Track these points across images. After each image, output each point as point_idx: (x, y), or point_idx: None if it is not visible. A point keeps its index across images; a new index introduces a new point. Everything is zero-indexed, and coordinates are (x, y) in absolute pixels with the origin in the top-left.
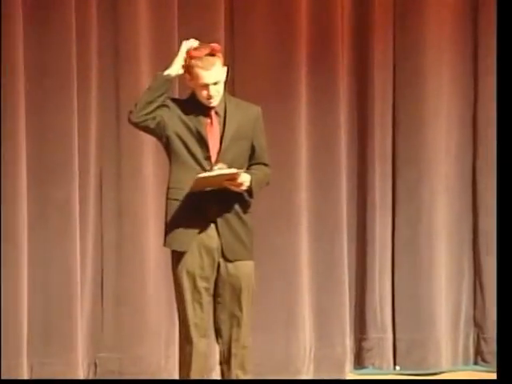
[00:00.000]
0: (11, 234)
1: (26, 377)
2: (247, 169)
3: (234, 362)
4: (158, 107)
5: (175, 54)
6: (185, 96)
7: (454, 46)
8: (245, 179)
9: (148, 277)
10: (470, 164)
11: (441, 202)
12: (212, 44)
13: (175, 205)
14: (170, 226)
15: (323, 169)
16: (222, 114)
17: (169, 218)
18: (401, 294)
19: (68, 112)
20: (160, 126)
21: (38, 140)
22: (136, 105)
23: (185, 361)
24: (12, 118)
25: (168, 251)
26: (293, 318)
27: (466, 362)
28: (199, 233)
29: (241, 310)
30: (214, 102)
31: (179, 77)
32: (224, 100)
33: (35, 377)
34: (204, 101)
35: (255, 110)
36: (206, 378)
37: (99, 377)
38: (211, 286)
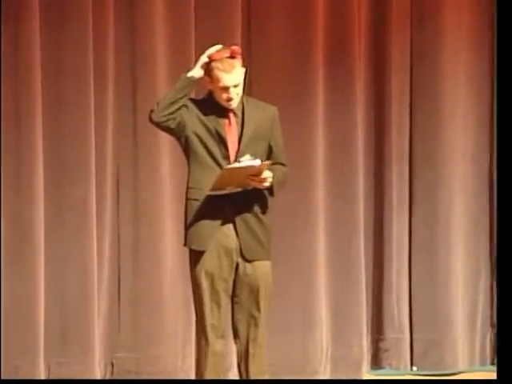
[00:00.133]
0: (28, 234)
1: (42, 377)
2: None
3: (251, 361)
4: (180, 108)
5: (191, 53)
6: (201, 96)
7: (471, 46)
8: (268, 175)
9: (165, 276)
10: (487, 164)
11: (458, 201)
12: (233, 47)
13: (195, 205)
14: (190, 226)
15: (340, 168)
16: (239, 114)
17: (188, 217)
18: (418, 294)
19: (85, 111)
20: (180, 126)
21: (55, 139)
22: (158, 104)
23: (201, 361)
24: (29, 117)
25: (185, 251)
26: (309, 318)
27: (482, 363)
28: (217, 233)
29: (258, 310)
30: (234, 104)
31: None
32: (242, 100)
33: (52, 377)
34: (224, 103)
35: (272, 110)
36: (222, 378)
37: (116, 377)
38: (229, 287)
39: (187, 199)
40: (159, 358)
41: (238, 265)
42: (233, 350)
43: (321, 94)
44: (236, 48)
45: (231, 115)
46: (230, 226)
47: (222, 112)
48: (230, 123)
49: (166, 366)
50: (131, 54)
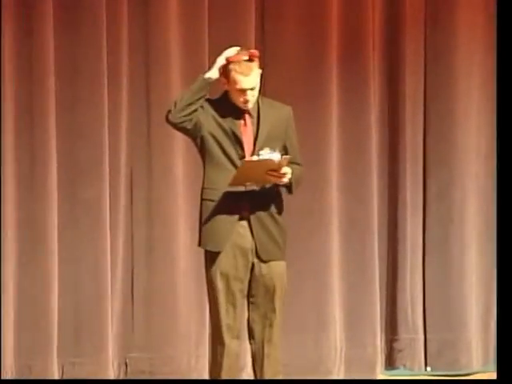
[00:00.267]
0: (42, 234)
1: (56, 376)
2: None
3: (266, 362)
4: (196, 109)
5: (204, 54)
6: (216, 95)
7: (485, 46)
8: (287, 170)
9: (178, 276)
10: None
11: (471, 201)
12: (251, 50)
13: (210, 205)
14: (205, 227)
15: (354, 168)
16: (255, 114)
17: (203, 218)
18: (432, 294)
19: (98, 111)
20: (196, 127)
21: (69, 139)
22: (175, 105)
23: (216, 361)
24: (42, 117)
25: (198, 251)
26: (323, 318)
27: None
28: (233, 233)
29: (274, 310)
30: (250, 106)
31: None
32: (257, 101)
33: (66, 377)
34: (240, 104)
35: (287, 110)
36: (236, 378)
37: (129, 377)
38: (245, 287)
39: (202, 199)
40: (173, 357)
41: (253, 265)
42: (246, 350)
43: (335, 93)
44: (254, 51)
45: (247, 116)
46: (246, 226)
47: (238, 112)
48: (245, 124)
49: (179, 366)
50: (145, 54)
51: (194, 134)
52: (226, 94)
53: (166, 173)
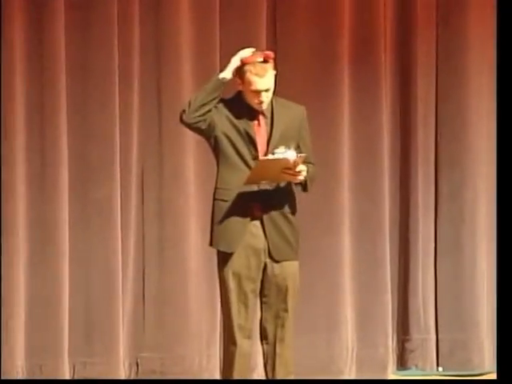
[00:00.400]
0: (53, 234)
1: (67, 376)
2: None
3: (277, 362)
4: (210, 109)
5: (215, 55)
6: (229, 95)
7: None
8: (303, 168)
9: (189, 276)
10: None
11: (483, 202)
12: (266, 51)
13: (222, 205)
14: (217, 227)
15: (366, 169)
16: (268, 115)
17: (216, 218)
18: (444, 294)
19: (110, 111)
20: (210, 127)
21: (80, 139)
22: (189, 105)
23: (228, 361)
24: (53, 117)
25: (210, 250)
26: (335, 319)
27: None
28: (246, 234)
29: (286, 310)
30: (264, 107)
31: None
32: (271, 101)
33: (77, 376)
34: (254, 105)
35: (300, 110)
36: (247, 378)
37: (141, 377)
38: (257, 287)
39: (215, 199)
40: (184, 357)
41: (265, 265)
42: (257, 350)
43: (346, 94)
44: (269, 53)
45: (260, 116)
46: (259, 226)
47: (252, 113)
48: (259, 124)
49: (190, 366)
50: (156, 55)
51: (208, 134)
52: (239, 94)
53: (177, 173)
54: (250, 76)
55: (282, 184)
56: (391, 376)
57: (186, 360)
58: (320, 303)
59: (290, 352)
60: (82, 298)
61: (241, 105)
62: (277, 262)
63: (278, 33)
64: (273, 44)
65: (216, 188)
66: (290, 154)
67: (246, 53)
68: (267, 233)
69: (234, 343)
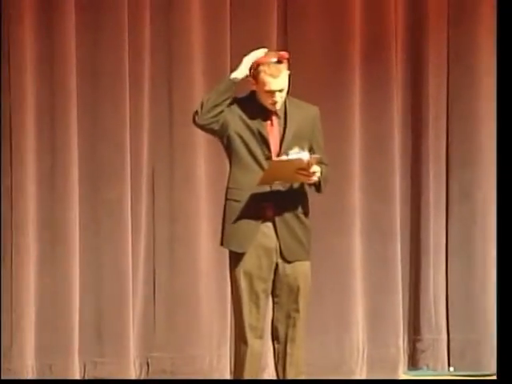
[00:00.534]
0: (63, 235)
1: (77, 376)
2: None
3: (289, 362)
4: (223, 110)
5: (226, 55)
6: (242, 94)
7: None
8: (317, 169)
9: (200, 277)
10: None
11: (495, 201)
12: (280, 52)
13: (234, 205)
14: (229, 227)
15: (377, 169)
16: (281, 115)
17: (228, 218)
18: (455, 294)
19: (120, 112)
20: (223, 127)
21: (90, 140)
22: (202, 107)
23: (239, 361)
24: (64, 118)
25: (220, 251)
26: (346, 319)
27: None
28: (258, 234)
29: (297, 310)
30: (278, 107)
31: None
32: (284, 100)
33: (87, 376)
34: (268, 106)
35: (314, 111)
36: (258, 378)
37: (151, 376)
38: (268, 287)
39: (227, 199)
40: (194, 357)
41: (277, 265)
42: (267, 350)
43: (357, 94)
44: (284, 53)
45: (273, 116)
46: (270, 226)
47: (265, 113)
48: (272, 124)
49: (201, 366)
50: (167, 56)
51: (221, 134)
52: (253, 94)
53: (188, 174)
54: (264, 76)
55: (295, 185)
56: (402, 376)
57: (196, 360)
58: (331, 303)
59: (301, 352)
60: (93, 298)
61: (254, 105)
62: (288, 262)
63: (289, 32)
64: (283, 44)
65: (228, 188)
66: (304, 155)
67: (258, 53)
68: (279, 233)
69: (246, 343)
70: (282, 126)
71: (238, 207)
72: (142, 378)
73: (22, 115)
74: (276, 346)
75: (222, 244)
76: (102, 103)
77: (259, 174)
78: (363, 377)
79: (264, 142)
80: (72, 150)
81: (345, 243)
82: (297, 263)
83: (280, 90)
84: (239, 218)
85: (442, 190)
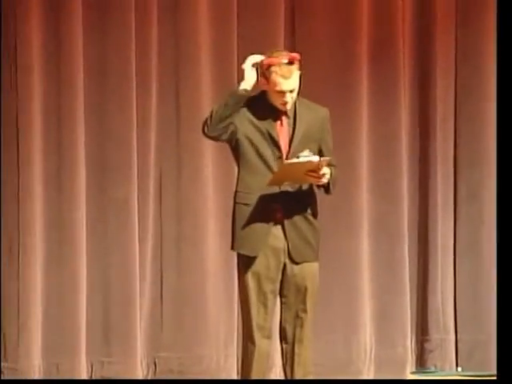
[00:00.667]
0: (70, 235)
1: (85, 376)
2: None
3: (296, 362)
4: (232, 121)
5: (233, 56)
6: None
7: None
8: (327, 171)
9: (207, 277)
10: None
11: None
12: (292, 53)
13: (244, 209)
14: (240, 231)
15: (384, 170)
16: (291, 115)
17: (238, 222)
18: (463, 295)
19: (127, 112)
20: (232, 134)
21: (97, 141)
22: (211, 118)
23: (247, 361)
24: (71, 118)
25: (227, 251)
26: (354, 319)
27: None
28: (270, 237)
29: (305, 310)
30: (288, 107)
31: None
32: (294, 101)
33: (95, 376)
34: (278, 106)
35: (323, 112)
36: (265, 378)
37: (158, 376)
38: (276, 287)
39: (235, 203)
40: (202, 357)
41: (285, 265)
42: (274, 350)
43: (365, 95)
44: (295, 54)
45: (283, 116)
46: (279, 227)
47: (275, 113)
48: (281, 124)
49: (208, 366)
50: (174, 55)
51: (230, 139)
52: (263, 94)
53: (195, 173)
54: (275, 77)
55: (304, 186)
56: (410, 376)
57: (203, 360)
58: (339, 304)
59: (309, 352)
60: (100, 298)
61: (264, 104)
62: (296, 263)
63: (297, 33)
64: (291, 45)
65: (237, 191)
66: (314, 158)
67: (256, 58)
68: (287, 234)
69: (253, 343)
70: (292, 126)
71: (248, 211)
72: (150, 377)
73: (28, 115)
74: (284, 346)
75: (232, 248)
76: (108, 103)
77: (268, 176)
78: (371, 377)
79: (274, 143)
80: (79, 149)
81: (353, 244)
82: (305, 264)
83: (291, 91)
84: (251, 221)
85: (450, 191)
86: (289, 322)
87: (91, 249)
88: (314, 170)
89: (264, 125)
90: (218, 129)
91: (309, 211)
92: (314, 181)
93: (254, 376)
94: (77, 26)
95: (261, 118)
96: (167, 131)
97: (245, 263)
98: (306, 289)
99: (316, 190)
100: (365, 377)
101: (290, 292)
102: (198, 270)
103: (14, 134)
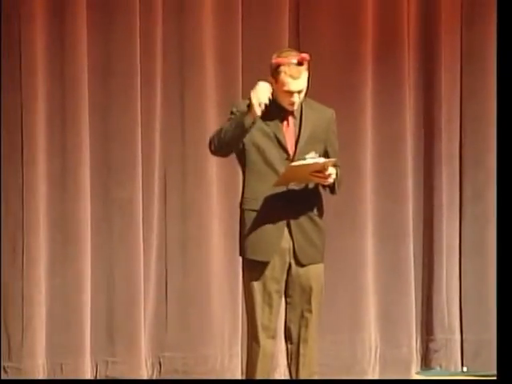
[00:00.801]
0: (74, 234)
1: (89, 376)
2: None
3: (301, 362)
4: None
5: (238, 57)
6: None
7: None
8: (332, 171)
9: (212, 277)
10: None
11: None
12: (302, 54)
13: (252, 215)
14: (251, 237)
15: (389, 170)
16: (297, 115)
17: (247, 228)
18: (468, 294)
19: (132, 112)
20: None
21: (102, 140)
22: (218, 139)
23: (251, 361)
24: (75, 119)
25: (232, 252)
26: (359, 319)
27: None
28: (282, 240)
29: (310, 310)
30: (295, 107)
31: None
32: (301, 101)
33: (99, 376)
34: (286, 106)
35: (329, 113)
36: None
37: (163, 376)
38: (281, 288)
39: (243, 209)
40: (206, 357)
41: (290, 265)
42: (279, 350)
43: (369, 96)
44: (305, 55)
45: (290, 117)
46: (285, 228)
47: (281, 113)
48: (288, 125)
49: (212, 366)
50: (179, 56)
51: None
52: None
53: (200, 173)
54: (284, 77)
55: (310, 186)
56: (415, 376)
57: (208, 360)
58: (344, 304)
59: (314, 352)
60: (104, 298)
61: (271, 104)
62: (302, 265)
63: (301, 34)
64: (295, 45)
65: (243, 197)
66: (320, 159)
67: (262, 87)
68: (293, 235)
69: (258, 343)
70: (298, 127)
71: (257, 217)
72: (154, 377)
73: (33, 115)
74: (289, 346)
75: (241, 254)
76: (113, 103)
77: (274, 180)
78: (376, 377)
79: (280, 145)
80: (83, 149)
81: (358, 244)
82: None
83: (299, 92)
84: (261, 227)
85: (455, 191)
86: (294, 322)
87: (95, 249)
88: (320, 170)
89: (270, 127)
90: (226, 149)
91: (315, 212)
92: (319, 181)
93: (259, 376)
94: (81, 27)
95: (268, 118)
96: (172, 131)
97: (250, 264)
98: (311, 289)
99: (321, 190)
100: (370, 377)
101: (295, 292)
102: (202, 270)
103: (19, 134)
